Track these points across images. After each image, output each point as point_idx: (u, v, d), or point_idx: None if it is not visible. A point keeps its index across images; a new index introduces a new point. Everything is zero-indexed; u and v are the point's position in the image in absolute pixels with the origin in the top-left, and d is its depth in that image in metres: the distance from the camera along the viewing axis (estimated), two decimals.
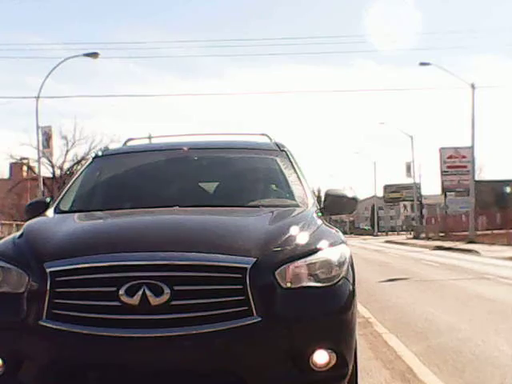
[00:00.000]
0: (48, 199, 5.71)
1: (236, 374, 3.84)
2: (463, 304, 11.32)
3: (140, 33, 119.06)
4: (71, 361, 3.84)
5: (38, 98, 34.84)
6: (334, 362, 3.97)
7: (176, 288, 3.73)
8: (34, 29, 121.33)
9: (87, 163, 6.23)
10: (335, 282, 4.08)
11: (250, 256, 3.89)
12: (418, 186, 67.20)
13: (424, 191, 74.36)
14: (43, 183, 40.38)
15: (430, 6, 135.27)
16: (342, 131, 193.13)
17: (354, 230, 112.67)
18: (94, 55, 34.46)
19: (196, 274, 3.79)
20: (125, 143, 6.77)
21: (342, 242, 4.42)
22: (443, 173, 56.69)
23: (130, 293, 3.71)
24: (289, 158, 5.91)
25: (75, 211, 5.22)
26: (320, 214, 5.16)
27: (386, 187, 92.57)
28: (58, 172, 55.43)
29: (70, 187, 5.73)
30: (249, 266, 3.82)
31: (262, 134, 6.62)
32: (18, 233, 4.53)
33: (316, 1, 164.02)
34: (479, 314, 10.09)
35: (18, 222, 34.98)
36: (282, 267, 3.94)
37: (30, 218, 5.17)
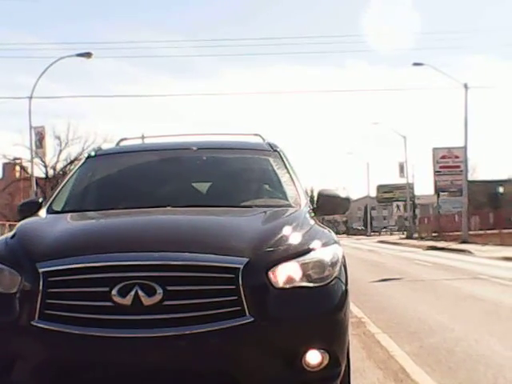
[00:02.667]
0: (41, 199, 5.70)
1: (229, 374, 3.84)
2: (456, 304, 11.34)
3: (134, 33, 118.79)
4: (64, 361, 3.83)
5: (30, 98, 34.78)
6: (326, 362, 3.97)
7: (169, 288, 3.72)
8: (28, 28, 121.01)
9: (80, 163, 6.22)
10: (328, 282, 4.08)
11: (242, 256, 3.88)
12: (411, 186, 67.32)
13: (417, 191, 74.68)
14: (36, 183, 40.27)
15: (423, 7, 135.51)
16: (335, 131, 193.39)
17: (347, 230, 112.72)
18: (87, 55, 34.39)
19: (188, 274, 3.79)
20: (118, 143, 6.77)
21: (335, 242, 4.42)
22: (436, 173, 56.75)
23: (123, 293, 3.70)
24: (281, 158, 5.91)
25: (68, 211, 5.21)
26: (313, 214, 5.16)
27: (379, 187, 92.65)
28: (51, 172, 55.37)
29: (62, 187, 5.72)
30: (241, 266, 3.82)
31: (255, 135, 6.62)
32: (11, 233, 4.52)
33: (309, 1, 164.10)
34: (472, 313, 10.12)
35: (11, 222, 34.86)
36: (275, 267, 3.94)
37: (22, 219, 5.16)
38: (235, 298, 3.77)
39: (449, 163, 55.53)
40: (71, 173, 6.11)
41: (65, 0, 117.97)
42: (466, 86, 40.35)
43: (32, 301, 3.81)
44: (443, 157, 56.00)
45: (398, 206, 79.58)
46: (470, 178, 54.86)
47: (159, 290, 3.71)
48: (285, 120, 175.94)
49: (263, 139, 6.43)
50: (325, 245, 4.28)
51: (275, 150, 6.04)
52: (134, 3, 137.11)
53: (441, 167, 56.25)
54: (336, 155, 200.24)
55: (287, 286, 3.95)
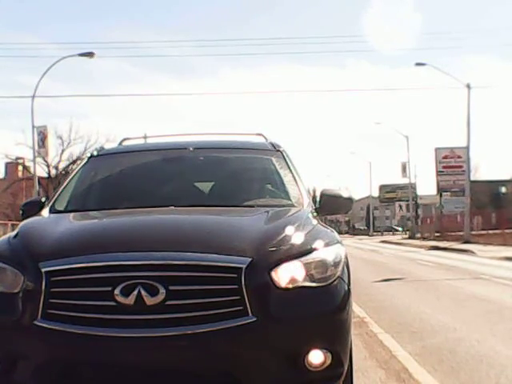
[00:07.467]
0: (43, 199, 5.70)
1: (231, 373, 3.84)
2: (458, 304, 11.33)
3: (136, 33, 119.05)
4: (66, 361, 3.83)
5: (33, 97, 34.80)
6: (329, 361, 3.96)
7: (171, 288, 3.72)
8: (30, 28, 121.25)
9: (83, 163, 6.23)
10: (330, 281, 4.08)
11: (245, 256, 3.88)
12: (413, 186, 67.22)
13: (419, 191, 74.69)
14: (38, 183, 40.30)
15: (425, 7, 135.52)
16: (337, 131, 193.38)
17: (349, 229, 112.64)
18: (89, 55, 34.42)
19: (191, 273, 3.78)
20: (120, 143, 6.77)
21: (338, 242, 4.42)
22: (439, 173, 56.77)
23: (126, 292, 3.70)
24: (284, 158, 5.91)
25: (70, 211, 5.21)
26: (315, 213, 5.16)
27: (382, 187, 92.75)
28: (53, 172, 55.38)
29: (65, 187, 5.73)
30: (244, 266, 3.82)
31: (258, 134, 6.62)
32: (14, 232, 4.52)
33: (310, 1, 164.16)
34: (474, 314, 10.11)
35: (13, 222, 34.92)
36: (278, 267, 3.93)
37: (25, 218, 5.16)
38: (238, 297, 3.77)
39: (451, 163, 55.57)
40: (74, 172, 6.11)
41: (65, 0, 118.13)
42: (468, 86, 40.32)
43: (35, 300, 3.80)
44: (446, 157, 56.04)
45: (400, 206, 79.59)
46: (473, 178, 54.81)
47: (162, 290, 3.71)
48: (287, 119, 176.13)
49: (266, 139, 6.44)
50: (327, 244, 4.27)
51: (278, 150, 6.04)
52: (135, 3, 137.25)
53: (443, 167, 56.29)
54: (338, 155, 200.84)
55: (290, 286, 3.94)
